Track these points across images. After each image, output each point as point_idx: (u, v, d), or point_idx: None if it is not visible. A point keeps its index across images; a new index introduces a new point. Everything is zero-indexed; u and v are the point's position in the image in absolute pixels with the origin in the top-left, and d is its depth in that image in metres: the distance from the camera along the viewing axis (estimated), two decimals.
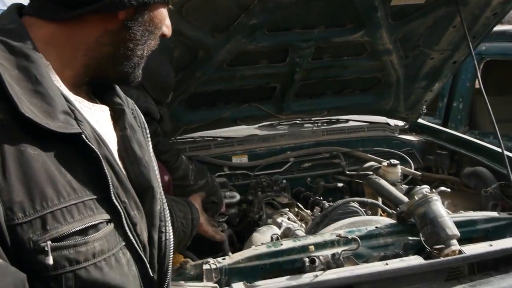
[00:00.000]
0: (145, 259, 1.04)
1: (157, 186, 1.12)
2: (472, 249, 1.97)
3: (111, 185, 0.95)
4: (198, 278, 1.88)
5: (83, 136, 0.92)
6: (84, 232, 0.89)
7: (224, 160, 3.15)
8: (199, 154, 3.12)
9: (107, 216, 0.94)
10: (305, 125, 3.56)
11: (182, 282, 1.84)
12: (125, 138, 1.10)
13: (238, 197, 2.82)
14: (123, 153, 1.09)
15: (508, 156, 2.51)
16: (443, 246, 1.92)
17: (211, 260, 1.93)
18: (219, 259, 1.94)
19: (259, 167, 3.15)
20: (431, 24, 2.80)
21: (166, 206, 1.15)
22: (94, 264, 0.90)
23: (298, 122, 3.55)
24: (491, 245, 2.00)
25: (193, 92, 2.85)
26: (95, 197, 0.92)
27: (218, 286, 1.82)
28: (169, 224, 1.14)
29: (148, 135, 1.19)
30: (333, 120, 3.58)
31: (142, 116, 1.21)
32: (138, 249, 1.01)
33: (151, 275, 1.06)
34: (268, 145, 3.29)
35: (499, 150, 2.47)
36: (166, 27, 1.10)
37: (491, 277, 1.89)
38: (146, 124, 1.20)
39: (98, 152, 0.93)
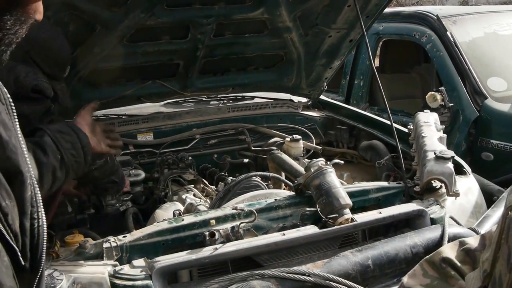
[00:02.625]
0: (16, 249, 1.00)
1: (27, 170, 1.06)
2: (363, 216, 2.09)
3: None
4: (99, 257, 1.86)
5: None
6: None
7: (129, 138, 3.10)
8: None
9: None
10: (211, 102, 3.58)
11: (82, 262, 1.82)
12: None
13: (143, 175, 2.80)
14: None
15: (397, 129, 2.67)
16: (337, 215, 2.02)
17: (111, 238, 1.91)
18: (120, 237, 1.93)
19: (165, 145, 3.14)
20: (327, 3, 2.88)
21: (38, 191, 1.10)
22: None
23: (203, 99, 3.56)
24: (380, 213, 2.13)
25: (93, 68, 2.76)
26: None
27: (118, 264, 1.81)
28: (41, 209, 1.09)
29: (14, 112, 1.10)
30: (238, 97, 3.63)
31: (6, 92, 1.11)
32: (9, 240, 0.98)
33: (23, 263, 1.02)
34: (174, 123, 3.28)
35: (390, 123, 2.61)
36: (39, 13, 1.07)
37: (378, 241, 2.01)
38: (11, 101, 1.11)
39: None
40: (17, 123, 1.10)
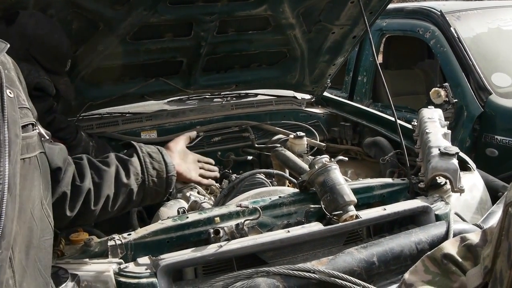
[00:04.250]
0: None
1: None
2: (367, 213, 2.08)
3: None
4: (104, 255, 1.86)
5: None
6: None
7: (133, 136, 3.10)
8: (106, 131, 3.06)
9: None
10: (214, 99, 3.57)
11: (87, 260, 1.82)
12: None
13: None
14: None
15: (401, 125, 2.67)
16: (341, 212, 2.01)
17: (116, 236, 1.91)
18: (125, 234, 1.93)
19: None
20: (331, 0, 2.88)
21: (3, 188, 1.02)
22: None
23: (207, 96, 3.56)
24: (385, 209, 2.12)
25: (96, 67, 2.76)
26: None
27: (123, 262, 1.81)
28: (1, 210, 1.01)
29: (4, 102, 1.08)
30: (242, 94, 3.62)
31: (3, 80, 1.10)
32: None
33: None
34: (178, 120, 3.27)
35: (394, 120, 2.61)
36: None
37: (383, 238, 2.01)
38: (3, 91, 1.09)
39: None
40: (4, 115, 1.07)
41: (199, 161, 2.13)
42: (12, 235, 1.04)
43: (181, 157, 2.01)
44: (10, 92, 1.13)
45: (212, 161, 2.26)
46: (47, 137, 1.36)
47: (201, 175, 2.11)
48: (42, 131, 1.32)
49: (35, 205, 1.21)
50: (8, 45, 1.15)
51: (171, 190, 1.90)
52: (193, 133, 2.11)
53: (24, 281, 1.09)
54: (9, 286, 1.02)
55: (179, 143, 2.04)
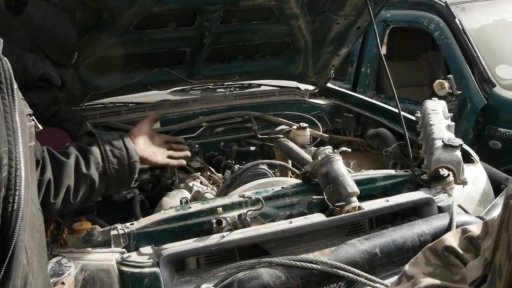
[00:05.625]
0: None
1: (5, 151, 1.04)
2: (370, 204, 2.08)
3: None
4: (106, 244, 1.87)
5: None
6: None
7: None
8: (109, 121, 3.06)
9: None
10: (218, 89, 3.56)
11: (90, 249, 1.83)
12: None
13: None
14: None
15: (405, 116, 2.66)
16: (344, 203, 2.01)
17: (118, 226, 1.92)
18: (127, 224, 1.94)
19: (172, 132, 3.14)
20: None
21: (21, 173, 1.06)
22: None
23: (210, 87, 3.55)
24: (387, 201, 2.12)
25: (100, 56, 2.76)
26: None
27: (126, 251, 1.82)
28: (20, 194, 1.05)
29: (13, 94, 1.10)
30: (245, 85, 3.62)
31: (10, 72, 1.11)
32: None
33: None
34: (181, 110, 3.27)
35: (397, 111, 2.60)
36: None
37: (385, 229, 2.01)
38: (12, 81, 1.11)
39: None
40: (14, 104, 1.09)
41: (167, 142, 2.09)
42: (28, 218, 1.08)
43: (145, 141, 1.94)
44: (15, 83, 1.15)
45: (182, 140, 2.20)
46: (40, 128, 1.37)
47: (170, 157, 2.06)
48: (36, 122, 1.34)
49: (34, 191, 1.25)
50: (2, 41, 1.16)
51: (135, 176, 1.84)
52: (157, 114, 2.06)
53: (34, 261, 1.13)
54: (24, 265, 1.07)
55: (143, 128, 1.97)
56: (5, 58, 1.12)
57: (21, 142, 1.08)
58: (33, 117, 1.30)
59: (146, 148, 1.93)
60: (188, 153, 2.18)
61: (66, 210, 1.75)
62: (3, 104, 1.07)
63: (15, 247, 1.02)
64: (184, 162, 2.17)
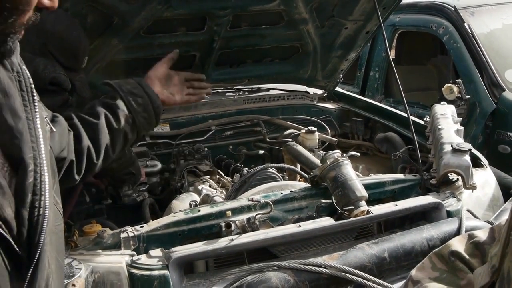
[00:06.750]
0: (7, 237, 0.99)
1: (30, 157, 1.06)
2: (379, 209, 2.09)
3: None
4: (116, 246, 1.88)
5: None
6: None
7: None
8: None
9: None
10: (227, 93, 3.59)
11: (100, 251, 1.84)
12: None
13: (159, 166, 2.82)
14: None
15: (414, 121, 2.66)
16: (353, 207, 2.02)
17: (128, 228, 1.93)
18: (137, 227, 1.95)
19: (181, 136, 3.16)
20: None
21: (45, 178, 1.08)
22: None
23: (219, 90, 3.57)
24: (396, 205, 2.12)
25: (110, 60, 2.78)
26: None
27: (135, 254, 1.84)
28: (45, 198, 1.07)
29: (34, 100, 1.12)
30: (254, 89, 3.64)
31: (30, 79, 1.15)
32: None
33: (19, 253, 1.02)
34: (190, 114, 3.29)
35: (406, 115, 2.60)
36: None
37: (394, 234, 2.01)
38: (33, 88, 1.13)
39: None
40: (35, 111, 1.12)
41: (187, 80, 2.10)
42: (50, 221, 1.10)
43: (163, 83, 1.97)
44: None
45: (203, 76, 2.20)
46: (54, 130, 1.39)
47: (189, 94, 2.07)
48: (51, 124, 1.36)
49: (53, 193, 1.25)
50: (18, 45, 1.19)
51: (160, 118, 1.91)
52: (174, 53, 2.06)
53: (52, 263, 1.15)
54: (46, 268, 1.09)
55: (159, 69, 1.99)
56: (24, 66, 1.15)
57: (43, 148, 1.10)
58: (46, 118, 1.33)
59: (163, 90, 1.95)
60: (210, 90, 2.18)
61: (105, 165, 1.80)
62: (26, 111, 1.10)
63: (41, 251, 1.04)
64: (204, 96, 2.17)
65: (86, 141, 1.67)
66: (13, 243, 1.00)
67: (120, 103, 1.79)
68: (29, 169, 1.05)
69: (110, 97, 1.82)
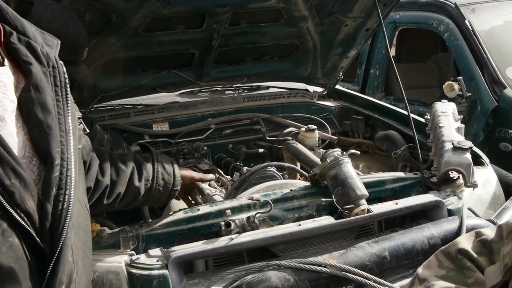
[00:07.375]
0: (29, 229, 1.00)
1: (57, 151, 1.08)
2: (379, 207, 2.07)
3: None
4: (115, 246, 1.87)
5: None
6: None
7: (144, 128, 3.12)
8: (118, 123, 3.07)
9: None
10: (226, 91, 3.57)
11: (99, 251, 1.83)
12: (28, 100, 1.08)
13: None
14: (25, 116, 1.07)
15: (414, 119, 2.65)
16: (353, 205, 2.00)
17: (127, 228, 1.92)
18: (136, 226, 1.94)
19: (180, 134, 3.15)
20: None
21: (71, 173, 1.10)
22: None
23: (219, 89, 3.56)
24: (397, 204, 2.11)
25: (109, 58, 2.77)
26: None
27: (134, 253, 1.83)
28: (70, 193, 1.09)
29: (67, 96, 1.15)
30: (253, 87, 3.62)
31: (65, 74, 1.18)
32: (19, 219, 0.98)
33: (42, 246, 1.03)
34: (189, 112, 3.29)
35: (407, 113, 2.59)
36: None
37: (395, 232, 2.00)
38: (67, 84, 1.17)
39: None
40: (67, 106, 1.15)
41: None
42: (75, 217, 1.13)
43: (188, 181, 2.17)
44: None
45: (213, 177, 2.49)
46: (87, 131, 1.42)
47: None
48: (84, 125, 1.40)
49: (81, 191, 1.29)
50: (59, 42, 1.23)
51: (170, 199, 2.07)
52: (211, 176, 2.36)
53: (79, 259, 1.17)
54: (70, 263, 1.10)
55: (192, 175, 2.20)
56: (61, 61, 1.19)
57: (72, 144, 1.13)
58: (81, 120, 1.35)
59: (187, 173, 2.13)
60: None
61: (106, 211, 1.87)
62: (57, 106, 1.12)
63: (63, 244, 1.06)
64: (213, 176, 2.40)
65: (108, 179, 1.74)
66: (35, 235, 1.02)
67: (149, 167, 1.90)
68: (55, 163, 1.07)
69: (143, 157, 1.93)
